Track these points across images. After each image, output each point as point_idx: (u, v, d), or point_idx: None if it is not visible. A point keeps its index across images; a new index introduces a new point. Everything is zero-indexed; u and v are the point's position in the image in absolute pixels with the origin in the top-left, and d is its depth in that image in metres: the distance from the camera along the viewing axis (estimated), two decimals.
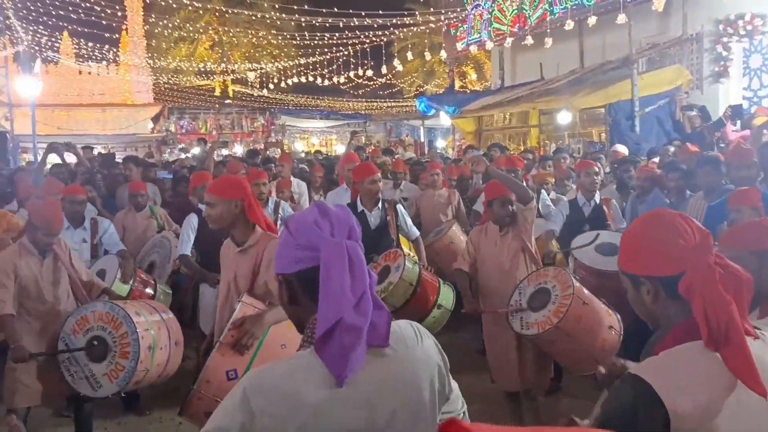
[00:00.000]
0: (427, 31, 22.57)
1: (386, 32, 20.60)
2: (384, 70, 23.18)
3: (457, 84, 29.92)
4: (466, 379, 2.41)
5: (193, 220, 5.10)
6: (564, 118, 13.85)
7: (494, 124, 17.86)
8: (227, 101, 34.20)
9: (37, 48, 23.91)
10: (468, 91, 28.98)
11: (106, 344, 3.88)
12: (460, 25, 19.16)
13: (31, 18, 21.81)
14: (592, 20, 13.29)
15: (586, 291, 4.20)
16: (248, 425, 1.36)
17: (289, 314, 1.59)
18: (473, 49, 19.95)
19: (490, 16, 17.55)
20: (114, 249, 5.37)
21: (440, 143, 25.69)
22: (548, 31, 14.32)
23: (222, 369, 2.98)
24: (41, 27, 23.06)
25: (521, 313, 4.26)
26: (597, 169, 6.16)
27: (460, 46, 19.20)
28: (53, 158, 8.25)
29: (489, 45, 17.88)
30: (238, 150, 23.99)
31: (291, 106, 33.66)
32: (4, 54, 22.45)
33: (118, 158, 11.92)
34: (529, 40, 14.85)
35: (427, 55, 22.97)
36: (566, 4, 14.58)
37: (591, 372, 2.48)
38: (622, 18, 12.08)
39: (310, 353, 1.42)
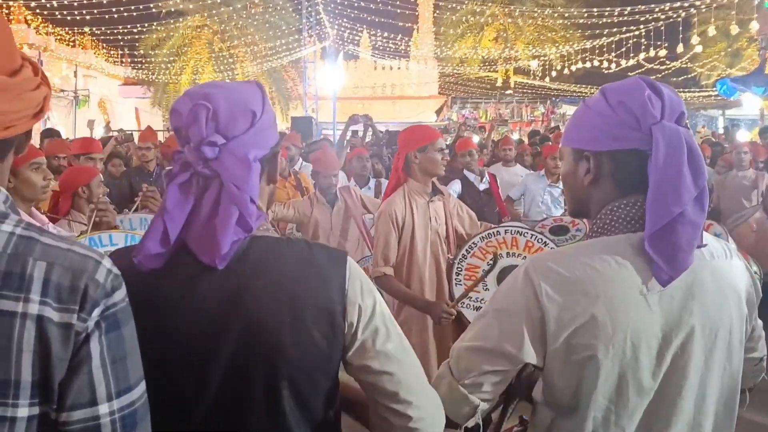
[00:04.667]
0: (735, 1, 19.97)
1: (685, 4, 18.64)
2: (680, 48, 20.99)
3: None
4: None
5: None
6: None
7: None
8: (507, 92, 34.34)
9: (340, 42, 26.40)
10: None
11: None
12: None
13: (336, 12, 24.12)
14: None
15: None
16: (533, 308, 1.26)
17: (578, 197, 1.42)
18: None
19: None
20: None
21: (743, 135, 22.71)
22: None
23: None
24: (345, 21, 25.40)
25: None
26: None
27: None
28: None
29: None
30: (515, 137, 23.93)
31: (573, 95, 32.61)
32: (314, 49, 25.30)
33: None
34: None
35: (734, 29, 20.30)
36: None
37: None
38: None
39: (623, 242, 1.27)
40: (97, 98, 31.06)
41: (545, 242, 3.88)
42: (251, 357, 1.18)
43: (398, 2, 25.22)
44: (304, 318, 1.20)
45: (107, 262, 0.99)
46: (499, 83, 36.42)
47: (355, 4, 23.79)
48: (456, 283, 3.61)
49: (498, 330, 1.30)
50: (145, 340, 1.05)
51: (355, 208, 4.62)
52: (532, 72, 32.17)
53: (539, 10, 32.64)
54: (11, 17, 30.99)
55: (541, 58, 29.42)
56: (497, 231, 3.74)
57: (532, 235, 3.83)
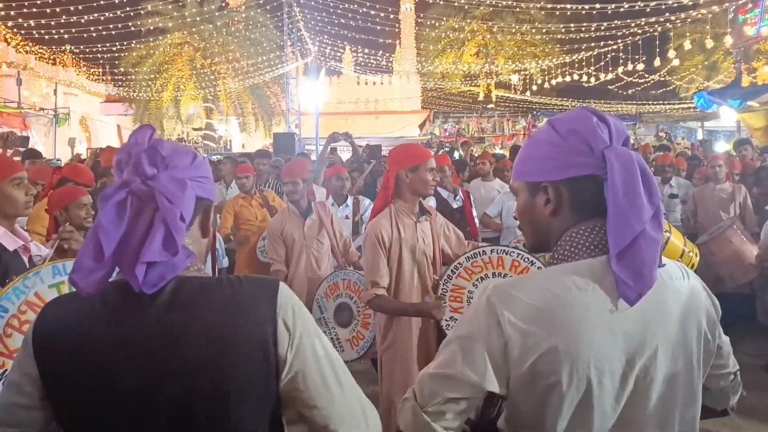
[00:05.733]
0: (710, 15, 20.28)
1: (660, 19, 18.92)
2: (657, 62, 21.32)
3: (745, 81, 26.55)
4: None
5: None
6: None
7: None
8: (489, 106, 34.59)
9: (322, 58, 26.49)
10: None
11: (351, 312, 4.08)
12: (750, 8, 16.99)
13: (317, 29, 24.26)
14: None
15: None
16: (495, 336, 1.26)
17: (538, 229, 1.42)
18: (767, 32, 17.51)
19: None
20: None
21: (721, 146, 23.01)
22: None
23: None
24: (326, 37, 25.53)
25: None
26: None
27: (750, 31, 17.00)
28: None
29: None
30: (498, 152, 24.11)
31: (554, 108, 32.92)
32: (296, 65, 25.35)
33: (384, 152, 12.67)
34: None
35: (709, 43, 20.60)
36: None
37: None
38: None
39: (585, 267, 1.28)
40: (78, 116, 30.87)
41: (532, 261, 3.84)
42: (191, 401, 1.18)
43: (379, 19, 25.35)
44: (238, 356, 1.19)
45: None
46: (480, 97, 36.70)
47: (336, 21, 23.93)
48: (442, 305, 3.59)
49: (461, 357, 1.29)
50: (82, 387, 1.02)
51: (327, 222, 4.64)
52: (513, 86, 32.45)
53: (519, 26, 32.99)
54: None
55: (522, 73, 29.70)
56: (483, 251, 3.72)
57: (518, 254, 3.82)
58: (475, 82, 36.60)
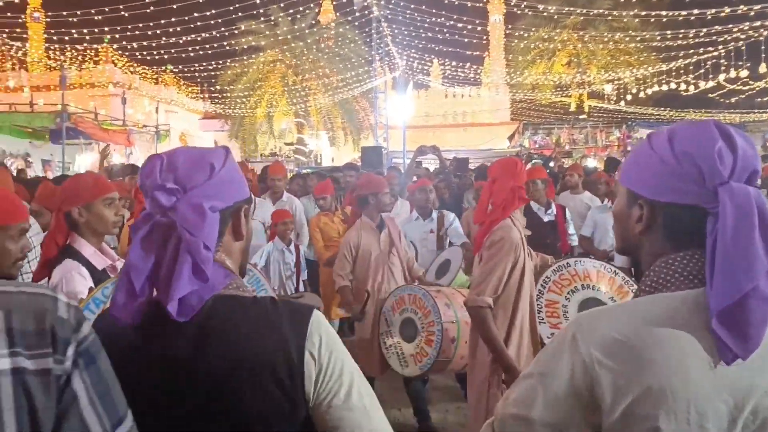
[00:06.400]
0: None
1: (766, 23, 17.82)
2: (763, 68, 20.03)
3: None
4: None
5: None
6: None
7: None
8: (581, 116, 33.72)
9: (410, 72, 26.65)
10: None
11: (416, 327, 4.04)
12: None
13: (405, 44, 24.47)
14: None
15: None
16: (580, 376, 1.15)
17: (627, 239, 1.31)
18: None
19: None
20: (458, 241, 5.58)
21: None
22: None
23: None
24: (414, 51, 25.70)
25: None
26: None
27: None
28: None
29: None
30: (591, 164, 23.39)
31: (651, 118, 31.67)
32: (384, 80, 25.62)
33: (472, 166, 12.57)
34: None
35: None
36: None
37: None
38: None
39: (681, 300, 1.14)
40: (178, 132, 32.45)
41: (615, 272, 3.81)
42: (211, 420, 1.20)
43: (467, 31, 25.26)
44: (263, 378, 1.20)
45: (63, 297, 0.95)
46: (572, 108, 35.87)
47: (424, 35, 24.03)
48: (539, 321, 3.49)
49: (542, 398, 1.19)
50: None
51: (396, 237, 4.68)
52: (606, 96, 31.49)
53: (612, 34, 32.04)
54: (99, 58, 32.96)
55: (616, 82, 28.77)
56: (567, 263, 3.74)
57: (601, 264, 3.84)
58: (567, 92, 35.83)
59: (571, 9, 29.39)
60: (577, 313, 3.57)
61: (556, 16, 29.91)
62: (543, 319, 3.55)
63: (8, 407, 0.83)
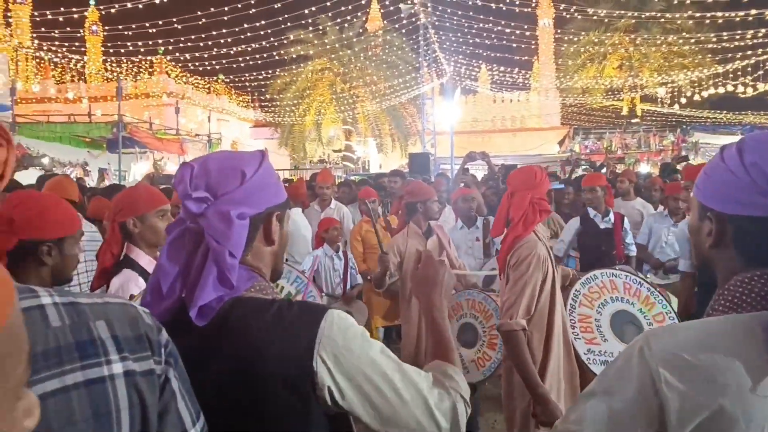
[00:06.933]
0: None
1: None
2: None
3: None
4: None
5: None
6: None
7: None
8: (634, 120, 33.00)
9: (457, 78, 26.56)
10: None
11: (476, 332, 3.99)
12: None
13: (452, 50, 24.41)
14: None
15: None
16: (650, 398, 1.11)
17: (701, 254, 1.27)
18: None
19: None
20: None
21: None
22: None
23: None
24: (461, 57, 25.61)
25: None
26: None
27: None
28: None
29: None
30: (644, 169, 22.86)
31: (707, 121, 30.75)
32: (432, 86, 25.62)
33: None
34: None
35: None
36: None
37: None
38: None
39: (756, 322, 1.08)
40: (229, 141, 33.08)
41: (641, 283, 3.80)
42: (221, 420, 1.20)
43: (515, 36, 25.06)
44: (272, 379, 1.21)
45: (139, 305, 1.03)
46: (624, 112, 35.15)
47: (471, 41, 23.92)
48: (575, 337, 3.43)
49: (607, 418, 1.15)
50: None
51: (446, 244, 4.61)
52: (660, 99, 30.74)
53: (665, 36, 31.29)
54: (154, 69, 33.90)
55: (670, 85, 28.05)
56: (594, 275, 3.73)
57: (626, 275, 3.82)
58: (618, 96, 35.14)
59: (622, 12, 28.82)
60: (609, 328, 3.53)
61: (606, 19, 29.35)
62: (578, 335, 3.46)
63: (124, 406, 0.91)
